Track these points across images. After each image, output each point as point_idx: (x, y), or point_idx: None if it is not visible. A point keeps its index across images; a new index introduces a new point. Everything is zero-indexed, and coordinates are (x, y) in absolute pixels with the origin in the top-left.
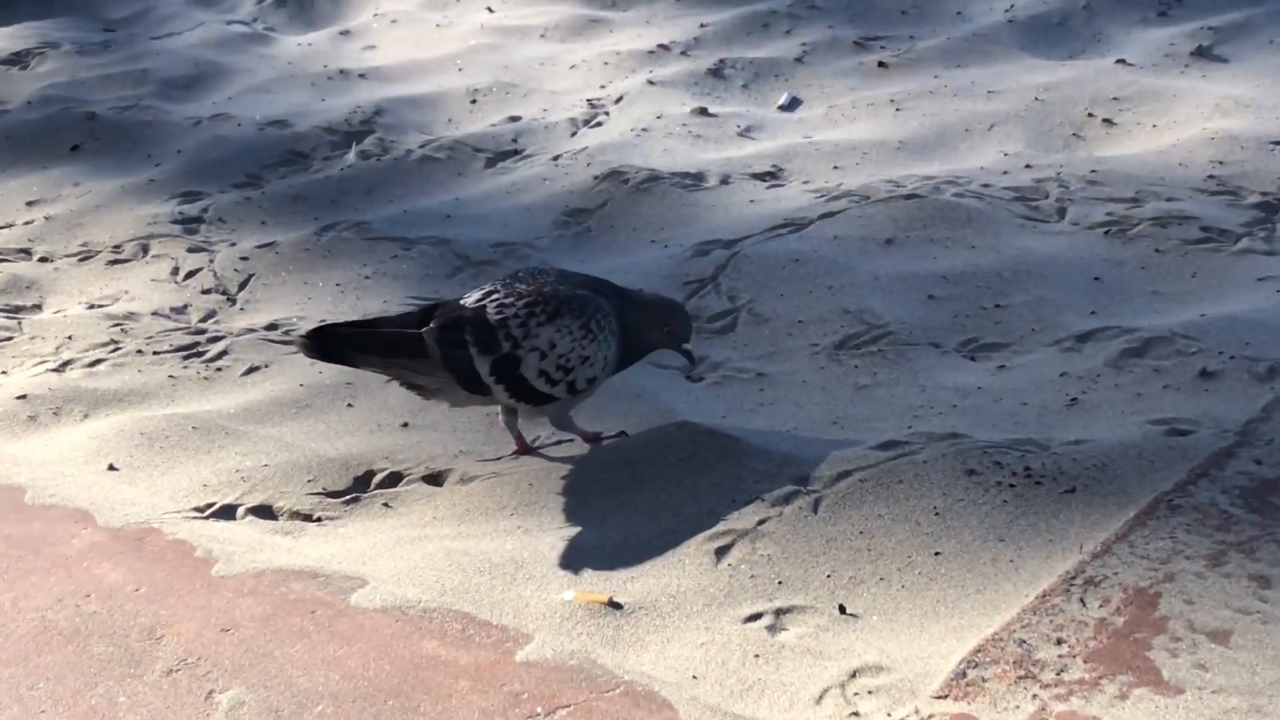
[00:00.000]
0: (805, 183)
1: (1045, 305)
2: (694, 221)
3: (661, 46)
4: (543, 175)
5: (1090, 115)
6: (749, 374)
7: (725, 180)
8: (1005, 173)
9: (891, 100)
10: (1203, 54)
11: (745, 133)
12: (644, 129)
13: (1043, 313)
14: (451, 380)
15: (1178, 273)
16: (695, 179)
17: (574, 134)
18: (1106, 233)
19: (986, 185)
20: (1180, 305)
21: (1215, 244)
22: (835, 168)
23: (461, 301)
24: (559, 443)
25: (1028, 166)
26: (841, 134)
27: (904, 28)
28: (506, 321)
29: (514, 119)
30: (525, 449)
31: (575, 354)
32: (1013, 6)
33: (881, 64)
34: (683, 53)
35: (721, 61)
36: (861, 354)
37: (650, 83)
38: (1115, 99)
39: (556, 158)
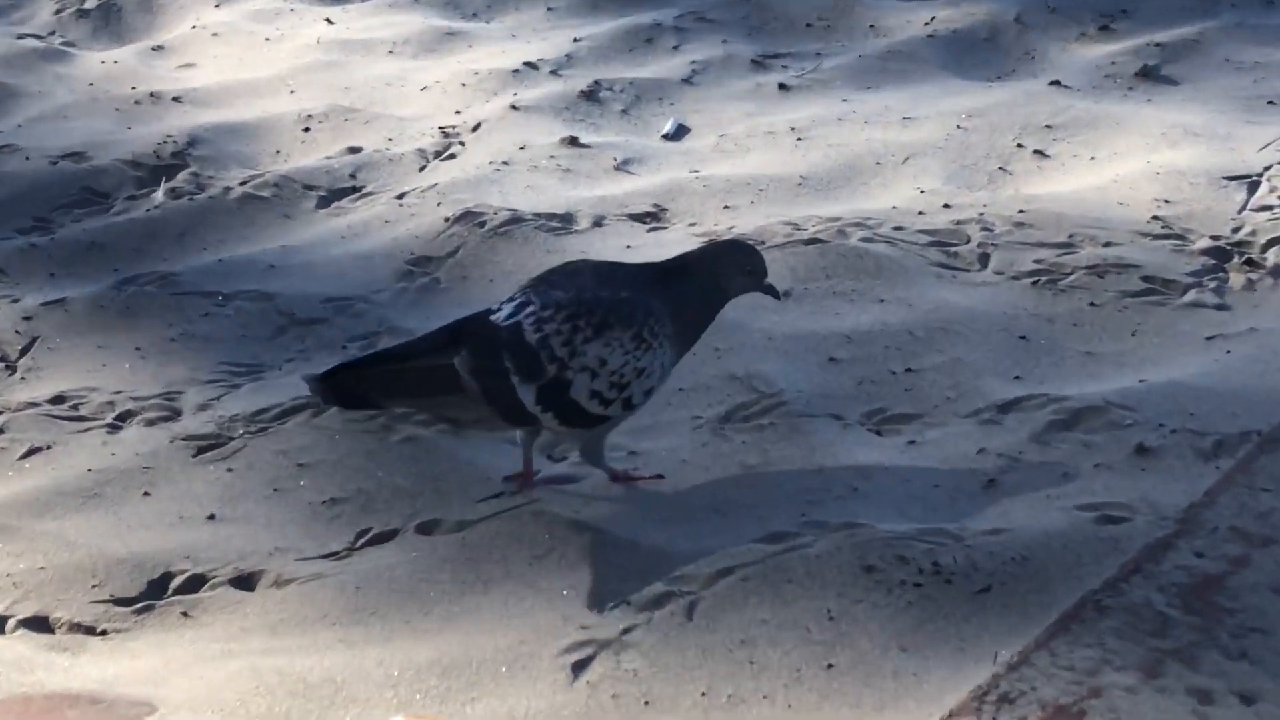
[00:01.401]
0: (691, 225)
1: (963, 369)
2: None
3: (528, 64)
4: (384, 217)
5: (1019, 146)
6: (620, 451)
7: (599, 222)
8: (921, 213)
9: (793, 128)
10: (1148, 75)
11: (623, 166)
12: (505, 162)
13: (960, 378)
14: (494, 414)
15: (1115, 330)
16: (564, 221)
17: (423, 168)
18: (1035, 283)
19: (899, 228)
20: (1117, 369)
21: (1159, 296)
22: (726, 207)
23: (491, 318)
24: (564, 481)
25: (946, 206)
26: (734, 167)
27: (809, 44)
28: (548, 340)
29: (353, 150)
30: (529, 476)
31: (630, 368)
32: (934, 19)
33: (782, 86)
34: (552, 72)
35: (597, 83)
36: (750, 428)
37: (514, 107)
38: (1048, 127)
39: (401, 196)
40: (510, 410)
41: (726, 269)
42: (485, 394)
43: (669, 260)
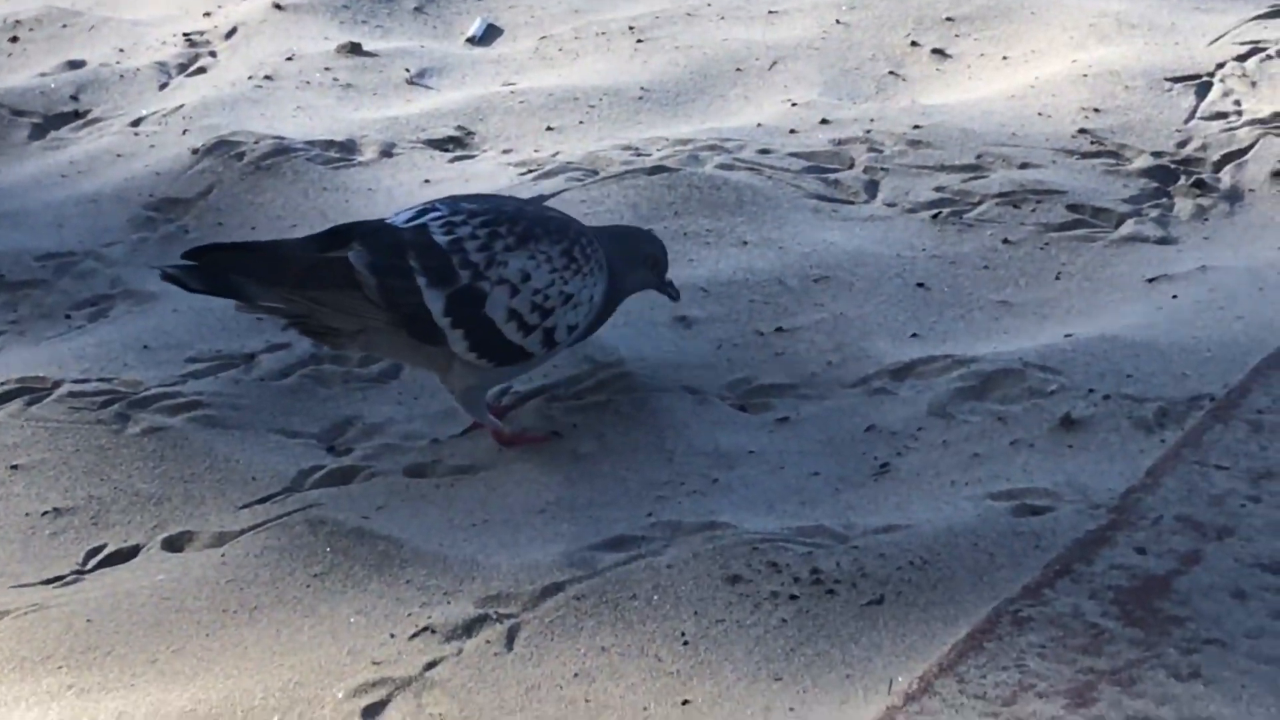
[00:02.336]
0: (506, 151)
1: (847, 327)
2: (341, 214)
3: None
4: (116, 149)
5: (914, 45)
6: (419, 441)
7: (388, 151)
8: (793, 132)
9: (631, 27)
10: None
11: (418, 79)
12: (267, 77)
13: (843, 338)
14: (391, 322)
15: (1035, 274)
16: (344, 150)
17: (163, 86)
18: (935, 217)
19: (765, 151)
20: (1037, 322)
21: (1088, 230)
22: (549, 129)
23: (387, 221)
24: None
25: (824, 122)
26: (559, 78)
27: None
28: (462, 243)
29: (74, 65)
30: (507, 438)
31: (556, 290)
32: None
33: None
34: None
35: None
36: (583, 406)
37: (278, 6)
38: (949, 19)
39: (137, 123)
40: (414, 318)
41: (635, 251)
42: (384, 293)
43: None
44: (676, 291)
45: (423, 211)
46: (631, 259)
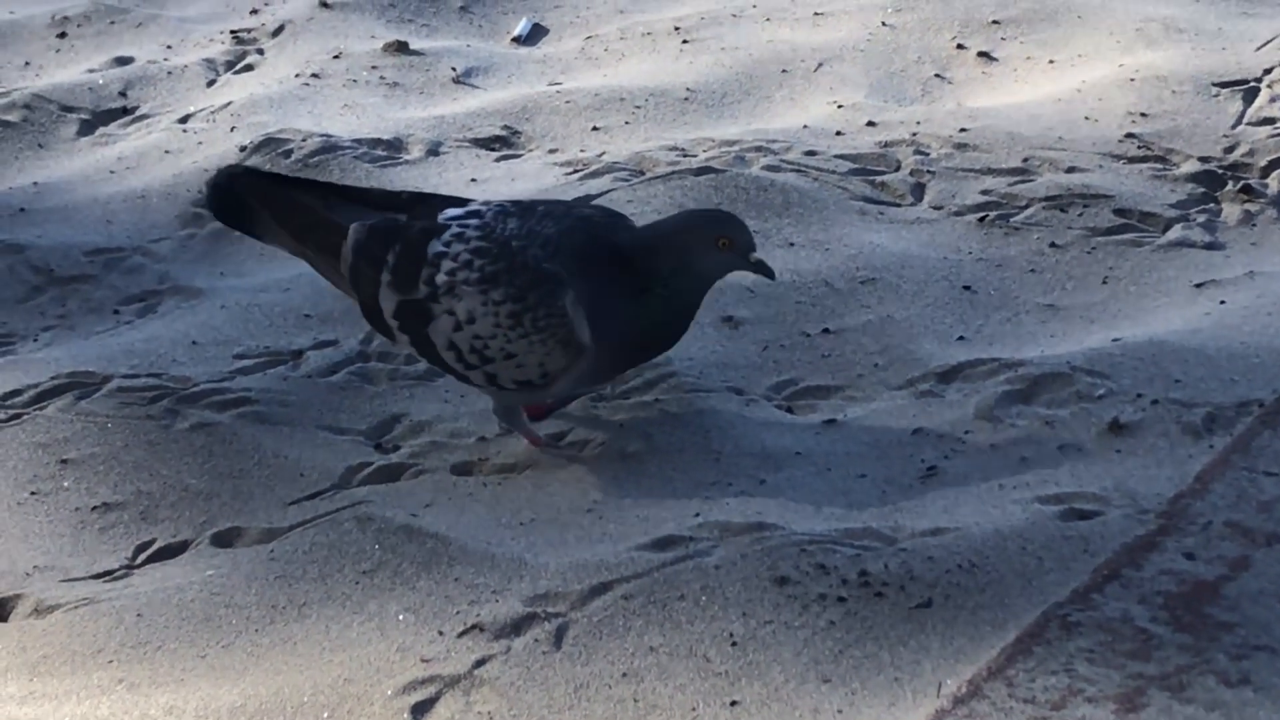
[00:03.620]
0: (552, 151)
1: (894, 329)
2: None
3: None
4: (164, 146)
5: (960, 47)
6: (466, 439)
7: (434, 150)
8: (839, 133)
9: (677, 28)
10: None
11: (464, 78)
12: (315, 75)
13: (890, 340)
14: (359, 302)
15: (1082, 277)
16: (390, 148)
17: (211, 83)
18: (982, 220)
19: (812, 153)
20: (1084, 326)
21: (1135, 234)
22: (595, 129)
23: (443, 209)
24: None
25: (871, 124)
26: (604, 78)
27: None
28: (441, 259)
29: (122, 61)
30: (538, 440)
31: (498, 345)
32: None
33: None
34: None
35: None
36: (630, 405)
37: (324, 4)
38: (995, 22)
39: (185, 119)
40: (367, 306)
41: (691, 246)
42: (352, 273)
43: (641, 232)
44: (769, 269)
45: (469, 214)
46: (693, 251)
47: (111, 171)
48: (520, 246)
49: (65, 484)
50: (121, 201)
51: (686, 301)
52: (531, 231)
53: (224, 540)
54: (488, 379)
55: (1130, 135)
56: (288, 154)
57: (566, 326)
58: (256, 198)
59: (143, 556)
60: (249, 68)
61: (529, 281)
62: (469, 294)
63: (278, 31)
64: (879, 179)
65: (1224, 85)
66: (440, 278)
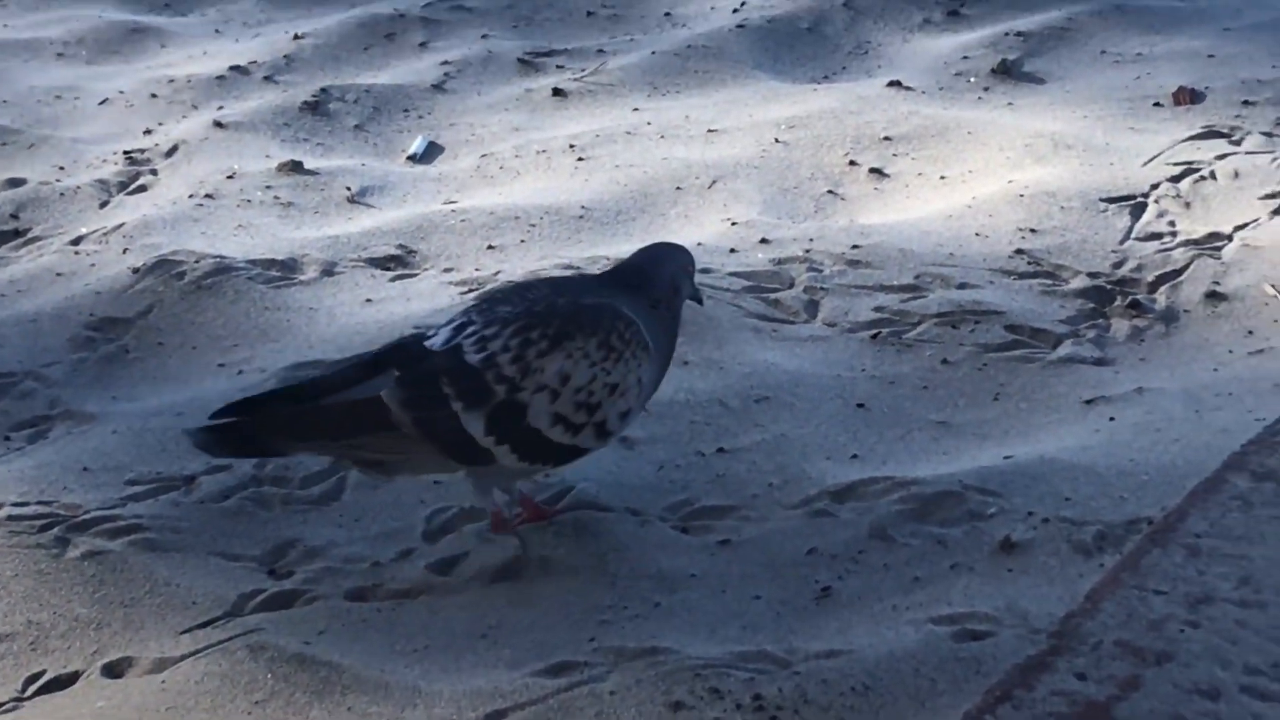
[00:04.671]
0: (447, 271)
1: (788, 448)
2: (282, 333)
3: (236, 69)
4: (56, 268)
5: (852, 164)
6: (360, 564)
7: (329, 270)
8: (733, 251)
9: (571, 146)
10: (1008, 72)
11: (359, 197)
12: (209, 195)
13: (784, 459)
14: (436, 452)
15: (974, 394)
16: (285, 269)
17: (104, 204)
18: (875, 337)
19: (706, 270)
20: (976, 443)
21: (1026, 351)
22: (490, 247)
23: (426, 343)
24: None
25: (764, 241)
26: (499, 197)
27: (590, 37)
28: (494, 358)
29: (14, 183)
30: (539, 513)
31: (600, 384)
32: (744, 5)
33: (558, 91)
34: (268, 78)
35: (324, 91)
36: (524, 531)
37: (219, 124)
38: (886, 139)
39: (77, 241)
40: (455, 445)
41: (674, 268)
42: (421, 428)
43: (622, 263)
44: (701, 298)
45: (459, 328)
46: (663, 285)
47: (2, 295)
48: (547, 307)
49: None
50: (13, 325)
51: (675, 323)
52: (537, 299)
53: (115, 670)
54: (597, 433)
55: (1020, 251)
56: (180, 275)
57: (641, 333)
58: (264, 429)
59: (32, 688)
60: (142, 188)
61: (591, 317)
62: (550, 360)
63: (171, 152)
64: (773, 296)
65: (1112, 201)
66: (508, 370)
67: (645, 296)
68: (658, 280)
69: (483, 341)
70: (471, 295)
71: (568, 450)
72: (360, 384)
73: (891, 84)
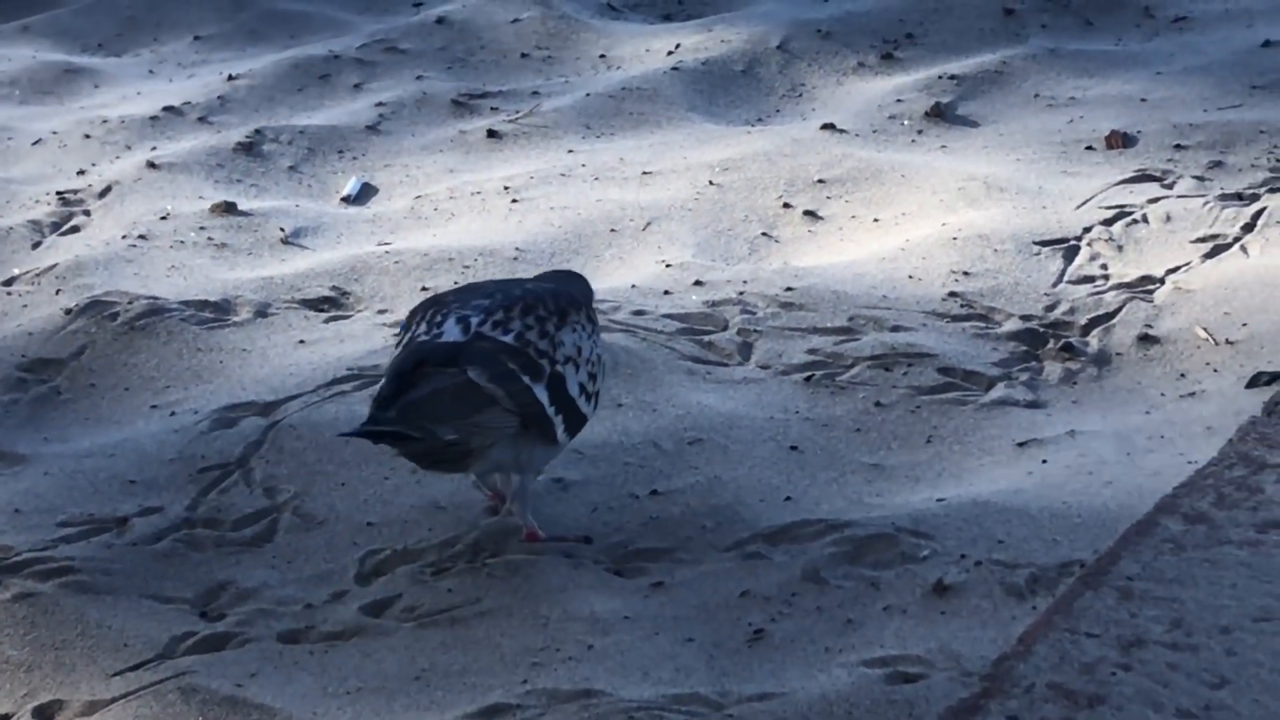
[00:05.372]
0: (381, 312)
1: (722, 490)
2: (215, 375)
3: (170, 110)
4: None
5: (786, 206)
6: (293, 606)
7: (263, 311)
8: (666, 293)
9: (506, 187)
10: (942, 115)
11: (293, 239)
12: (142, 236)
13: (718, 501)
14: (520, 425)
15: (906, 437)
16: (218, 310)
17: (37, 245)
18: (808, 379)
19: (640, 312)
20: (909, 486)
21: (959, 393)
22: (424, 289)
23: (438, 339)
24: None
25: (698, 283)
26: (434, 238)
27: (525, 79)
28: (524, 336)
29: None
30: (542, 537)
31: (595, 355)
32: (679, 48)
33: (492, 133)
34: (201, 119)
35: (258, 132)
36: (458, 571)
37: (152, 165)
38: (820, 181)
39: (9, 282)
40: (534, 416)
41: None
42: (514, 399)
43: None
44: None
45: (462, 321)
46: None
47: None
48: (526, 291)
49: None
50: None
51: None
52: (503, 288)
53: (46, 714)
54: (594, 403)
55: (953, 294)
56: (113, 317)
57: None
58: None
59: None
60: (75, 229)
61: (566, 297)
62: (564, 333)
63: (104, 192)
64: (707, 338)
65: (1045, 244)
66: (543, 345)
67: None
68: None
69: (499, 325)
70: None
71: (582, 422)
72: (428, 380)
73: (825, 127)
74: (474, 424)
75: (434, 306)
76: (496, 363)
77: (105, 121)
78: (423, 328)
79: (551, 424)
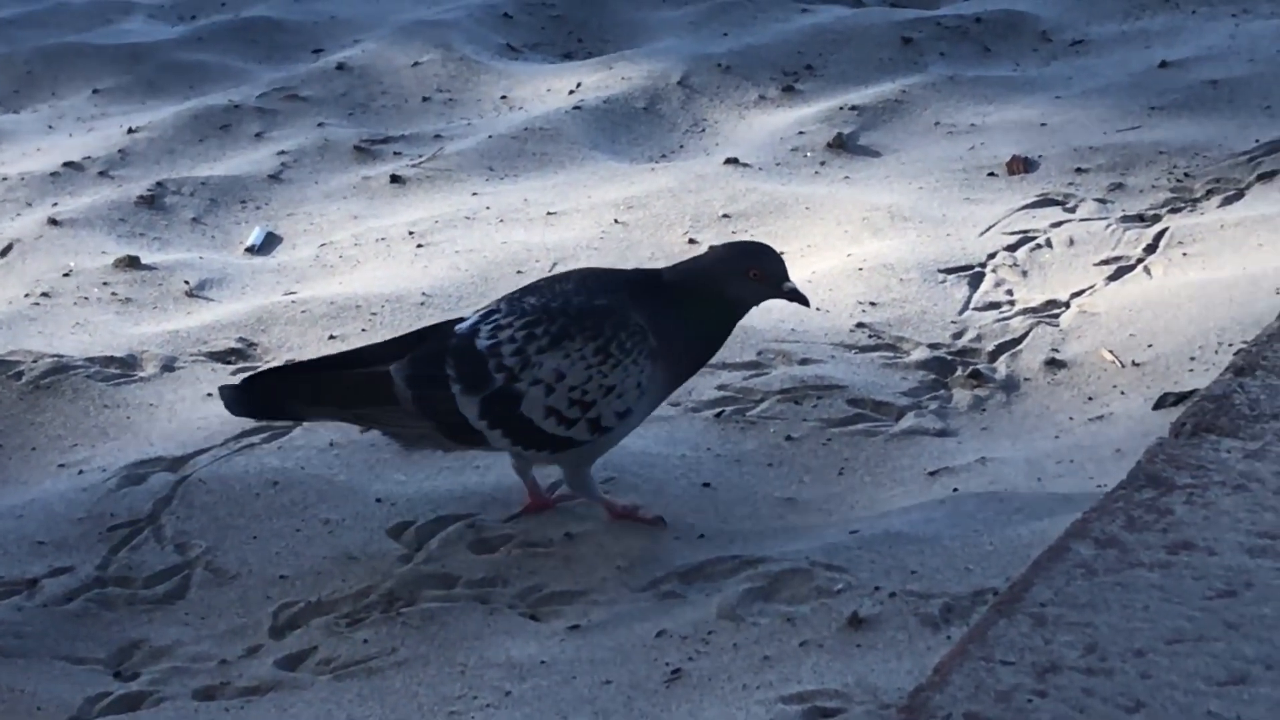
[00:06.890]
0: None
1: (635, 530)
2: (122, 431)
3: (70, 165)
4: None
5: (691, 242)
6: (208, 662)
7: (169, 365)
8: None
9: (411, 232)
10: (843, 145)
11: (198, 291)
12: (45, 294)
13: (631, 541)
14: (433, 429)
15: (818, 470)
16: (125, 366)
17: None
18: (719, 415)
19: None
20: (823, 519)
21: (869, 424)
22: (331, 337)
23: (455, 327)
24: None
25: None
26: (340, 285)
27: (426, 123)
28: (499, 347)
29: None
30: (542, 503)
31: (595, 385)
32: (580, 86)
33: (395, 178)
34: (102, 173)
35: (160, 184)
36: (372, 623)
37: (53, 222)
38: (725, 216)
39: None
40: (449, 425)
41: (725, 278)
42: (419, 404)
43: (675, 266)
44: (804, 297)
45: (487, 314)
46: (722, 281)
47: None
48: (562, 304)
49: None
50: None
51: (718, 326)
52: (558, 293)
53: None
54: (591, 427)
55: (861, 324)
56: (18, 376)
57: (647, 338)
58: (284, 392)
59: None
60: None
61: (596, 320)
62: (548, 357)
63: (5, 251)
64: None
65: (950, 271)
66: (509, 360)
67: (676, 303)
68: (694, 287)
69: (496, 330)
70: None
71: (561, 440)
72: (391, 359)
73: (729, 161)
74: (360, 415)
75: (521, 290)
76: (430, 364)
77: (5, 179)
78: (479, 309)
79: (480, 435)
